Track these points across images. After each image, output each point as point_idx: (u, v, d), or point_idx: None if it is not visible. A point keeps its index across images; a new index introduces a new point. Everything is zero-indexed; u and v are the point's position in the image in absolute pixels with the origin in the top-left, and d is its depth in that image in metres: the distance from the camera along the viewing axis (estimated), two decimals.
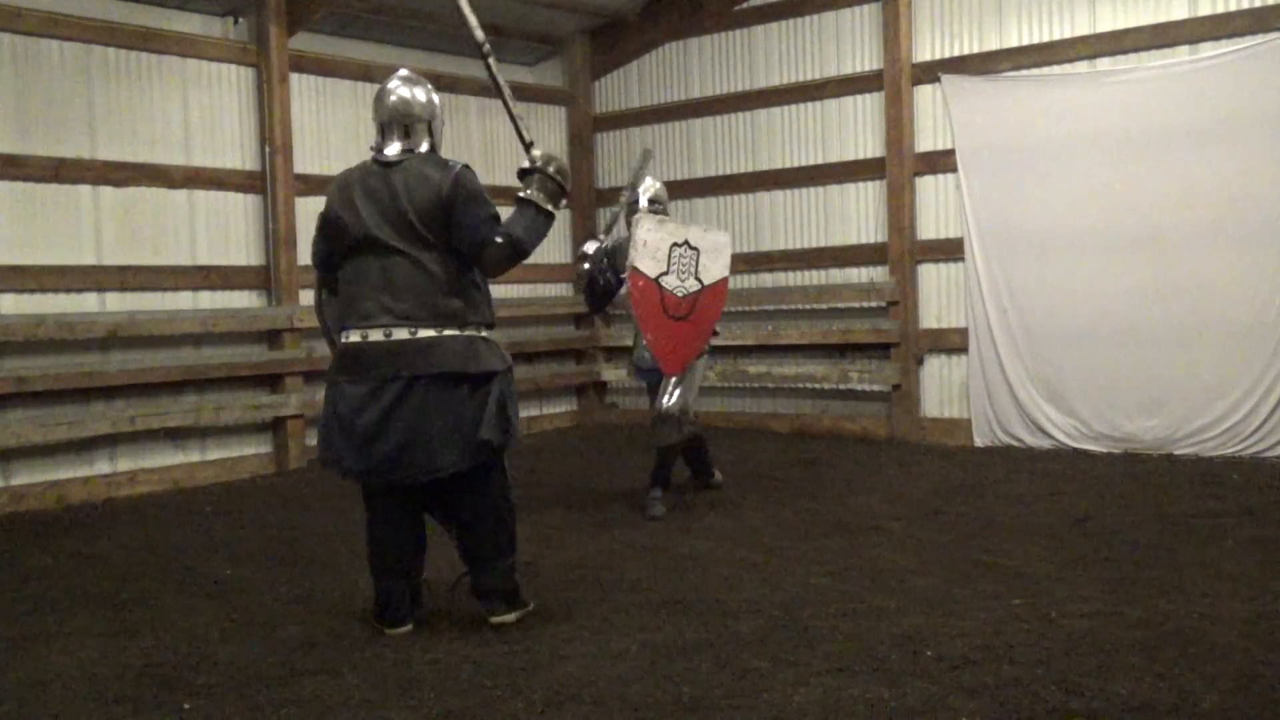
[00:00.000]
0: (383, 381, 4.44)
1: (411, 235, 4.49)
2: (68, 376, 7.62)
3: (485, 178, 10.41)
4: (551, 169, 4.78)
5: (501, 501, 4.68)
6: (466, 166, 4.68)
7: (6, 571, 5.87)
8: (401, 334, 4.46)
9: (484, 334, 4.63)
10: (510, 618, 4.61)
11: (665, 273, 6.56)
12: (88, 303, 7.95)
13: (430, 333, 4.47)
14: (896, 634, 4.34)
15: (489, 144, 10.59)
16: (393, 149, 4.64)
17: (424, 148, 4.68)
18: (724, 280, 6.83)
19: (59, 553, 6.26)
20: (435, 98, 4.80)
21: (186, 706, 3.84)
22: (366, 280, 4.52)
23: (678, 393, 6.74)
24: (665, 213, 7.08)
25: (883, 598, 4.85)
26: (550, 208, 4.72)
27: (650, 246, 6.53)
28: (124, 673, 4.19)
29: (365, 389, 4.47)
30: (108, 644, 4.55)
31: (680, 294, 6.63)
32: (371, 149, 4.71)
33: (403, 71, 4.88)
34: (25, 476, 7.59)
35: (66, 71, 7.92)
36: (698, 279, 6.68)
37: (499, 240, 4.54)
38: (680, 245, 6.64)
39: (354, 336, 4.53)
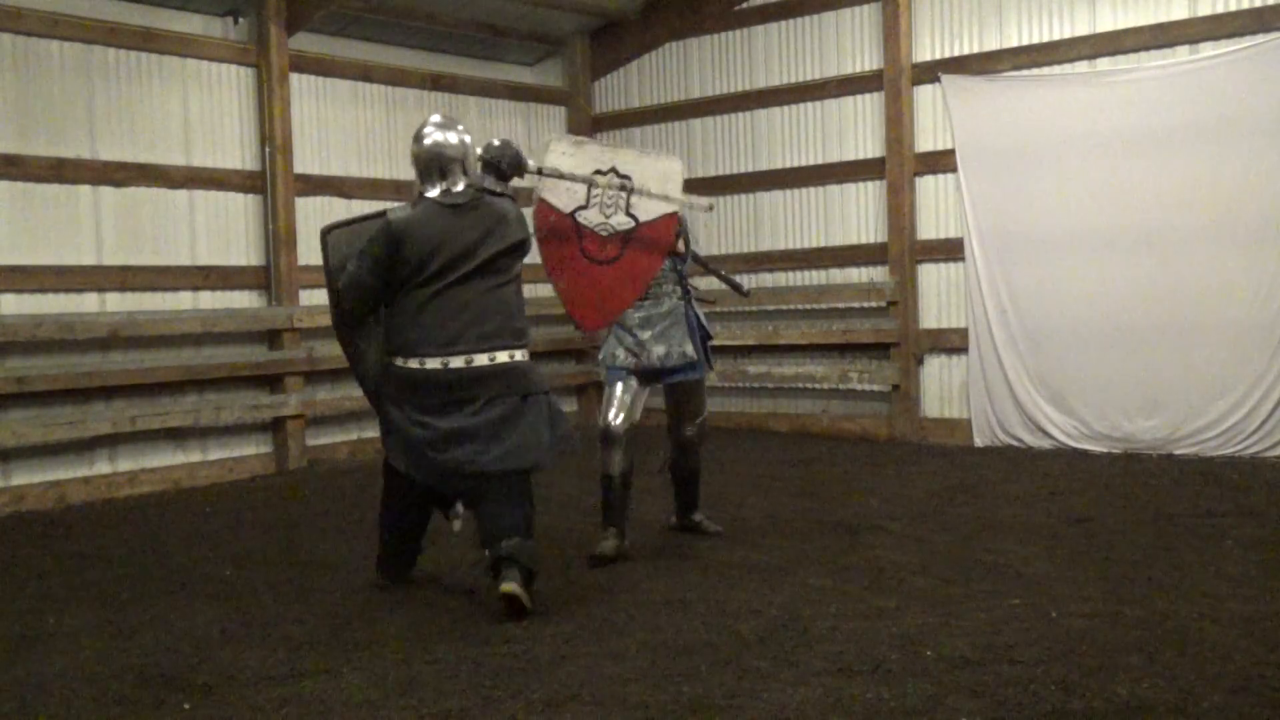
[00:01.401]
0: (471, 401, 4.83)
1: (495, 269, 4.90)
2: (68, 376, 7.62)
3: None
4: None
5: (527, 485, 4.97)
6: (516, 204, 5.11)
7: (6, 571, 5.87)
8: (501, 357, 4.87)
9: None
10: (517, 589, 4.67)
11: (584, 206, 5.41)
12: (88, 303, 7.95)
13: (518, 355, 4.93)
14: (896, 634, 4.34)
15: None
16: (454, 189, 4.94)
17: (460, 186, 4.96)
18: (669, 218, 5.42)
19: (59, 553, 6.26)
20: (467, 138, 5.06)
21: (186, 706, 3.84)
22: (447, 311, 4.84)
23: (700, 405, 5.92)
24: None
25: (883, 598, 4.85)
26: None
27: (567, 173, 5.41)
28: (124, 673, 4.19)
29: (446, 406, 4.84)
30: (108, 644, 4.55)
31: (605, 233, 5.39)
32: (420, 192, 4.98)
33: (436, 117, 5.14)
34: (25, 476, 7.59)
35: (66, 71, 7.92)
36: (629, 214, 5.39)
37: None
38: (605, 173, 5.39)
39: (433, 363, 4.82)
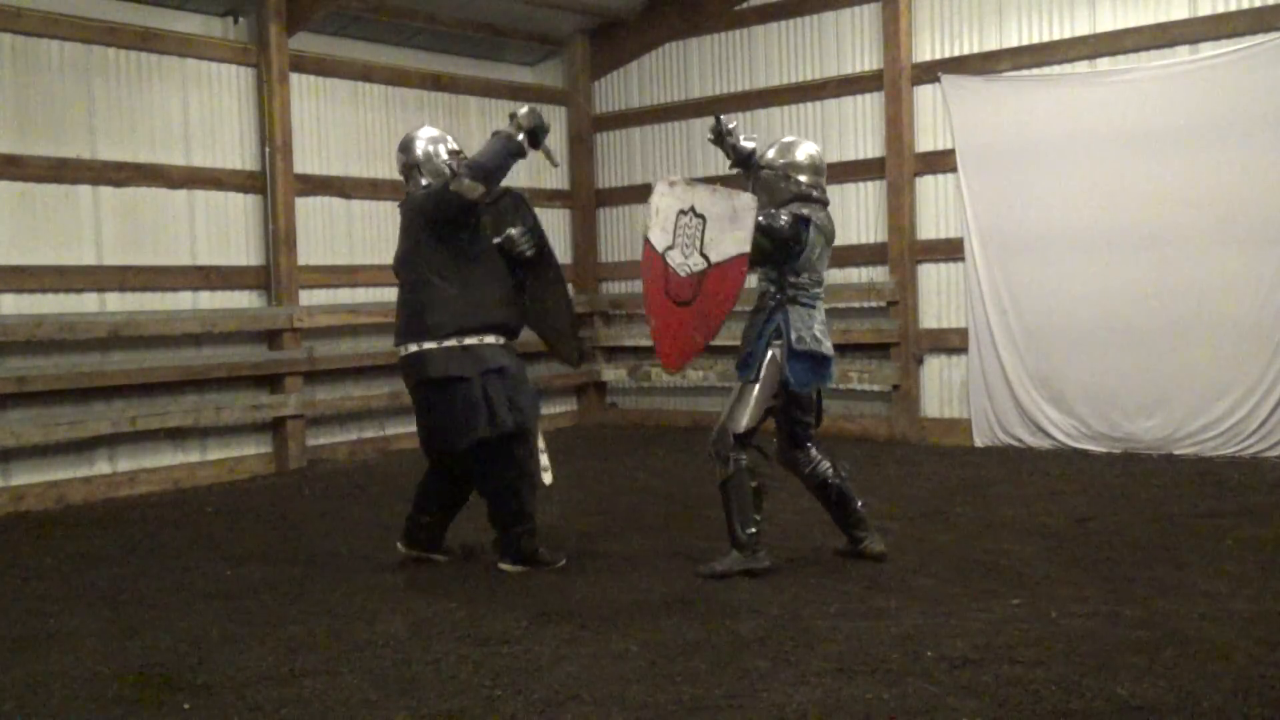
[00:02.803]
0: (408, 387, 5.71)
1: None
2: (68, 376, 7.62)
3: None
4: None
5: (504, 479, 5.44)
6: (419, 191, 5.60)
7: (6, 571, 5.86)
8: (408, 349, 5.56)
9: None
10: (508, 567, 5.46)
11: (671, 246, 5.36)
12: (88, 303, 7.95)
13: (412, 347, 5.50)
14: (897, 634, 4.34)
15: None
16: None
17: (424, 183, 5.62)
18: (739, 259, 5.16)
19: (59, 553, 6.26)
20: (418, 150, 5.65)
21: (186, 706, 3.84)
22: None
23: (725, 415, 5.49)
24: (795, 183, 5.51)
25: (883, 598, 4.85)
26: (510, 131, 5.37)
27: (661, 214, 5.40)
28: (124, 673, 4.19)
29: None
30: (108, 644, 4.55)
31: (684, 273, 5.31)
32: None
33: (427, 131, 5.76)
34: (25, 476, 7.59)
35: (66, 71, 7.92)
36: (703, 255, 5.27)
37: (457, 182, 5.34)
38: (686, 213, 5.32)
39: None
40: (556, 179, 11.21)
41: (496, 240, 5.59)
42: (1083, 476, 7.56)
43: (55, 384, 7.57)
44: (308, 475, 8.62)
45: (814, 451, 5.59)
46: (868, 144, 9.63)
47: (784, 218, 5.31)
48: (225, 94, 8.77)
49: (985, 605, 4.69)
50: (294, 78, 9.03)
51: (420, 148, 5.65)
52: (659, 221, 5.38)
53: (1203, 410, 8.07)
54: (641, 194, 10.89)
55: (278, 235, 8.83)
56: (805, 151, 5.62)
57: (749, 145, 5.69)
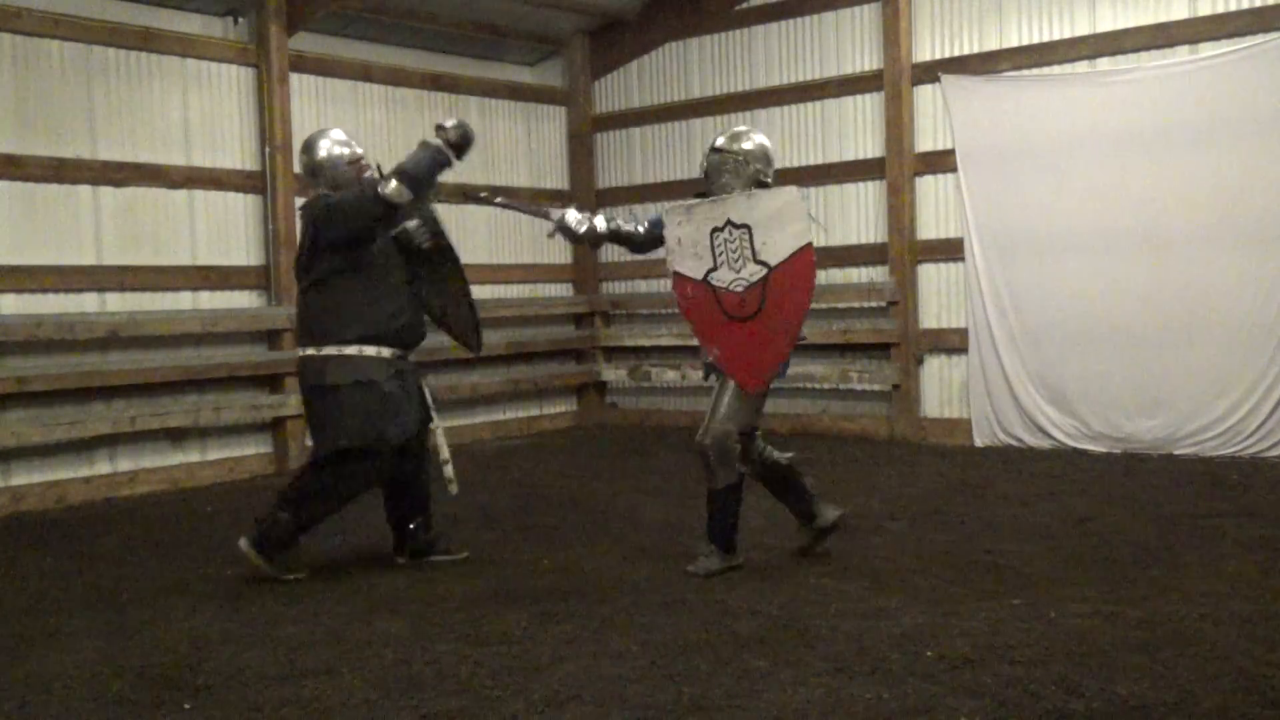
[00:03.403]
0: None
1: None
2: (68, 376, 7.62)
3: (483, 176, 10.49)
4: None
5: (321, 480, 5.49)
6: (318, 196, 5.57)
7: (6, 571, 5.87)
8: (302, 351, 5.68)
9: None
10: (245, 544, 5.42)
11: (714, 268, 5.27)
12: (88, 303, 7.95)
13: (309, 350, 5.57)
14: (896, 634, 4.34)
15: (488, 143, 10.58)
16: None
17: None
18: (802, 251, 5.16)
19: (59, 553, 6.26)
20: (321, 153, 5.63)
21: (187, 706, 3.84)
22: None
23: (713, 416, 5.34)
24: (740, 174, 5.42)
25: (883, 598, 4.85)
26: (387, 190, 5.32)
27: (686, 243, 5.31)
28: (124, 673, 4.19)
29: None
30: (108, 644, 4.55)
31: (739, 288, 5.22)
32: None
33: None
34: (25, 476, 7.59)
35: (66, 71, 7.92)
36: (759, 262, 5.19)
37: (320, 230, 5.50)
38: (722, 229, 5.25)
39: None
40: (557, 179, 11.23)
41: (393, 233, 5.58)
42: (1083, 476, 7.57)
43: (55, 384, 7.56)
44: None
45: (759, 440, 5.56)
46: (868, 144, 9.63)
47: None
48: (225, 94, 8.77)
49: (985, 605, 4.69)
50: (294, 78, 9.02)
51: (324, 150, 5.62)
52: (684, 250, 5.31)
53: (1203, 410, 8.07)
54: (643, 193, 10.98)
55: (278, 235, 8.83)
56: (756, 140, 5.54)
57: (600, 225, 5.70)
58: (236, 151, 8.81)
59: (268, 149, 8.85)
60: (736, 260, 5.22)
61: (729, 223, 5.23)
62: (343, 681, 4.03)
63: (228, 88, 8.78)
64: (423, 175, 5.34)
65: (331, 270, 5.41)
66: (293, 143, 8.93)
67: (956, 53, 9.16)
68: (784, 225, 5.17)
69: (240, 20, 8.89)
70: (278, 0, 8.80)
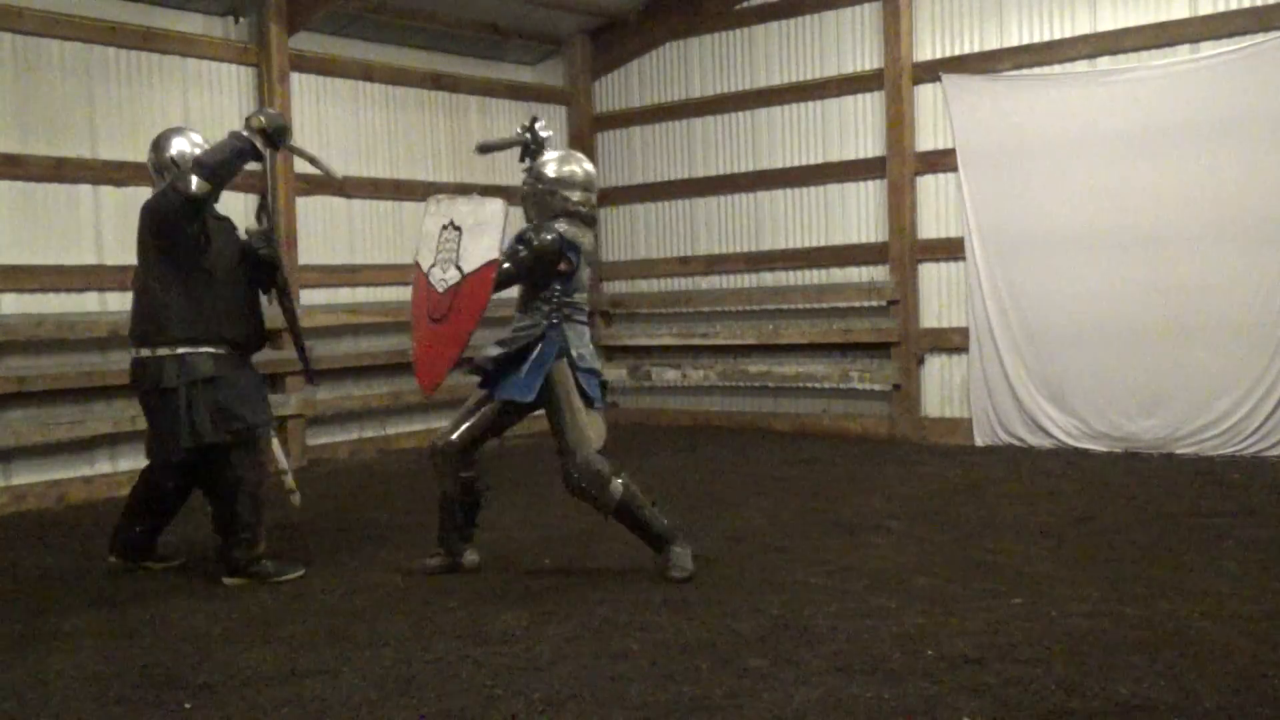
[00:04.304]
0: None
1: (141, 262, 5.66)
2: (68, 376, 7.62)
3: (485, 175, 10.48)
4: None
5: (221, 487, 5.49)
6: (159, 190, 5.46)
7: (7, 571, 5.87)
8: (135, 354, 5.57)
9: None
10: (228, 580, 5.45)
11: (434, 264, 5.24)
12: (88, 302, 7.95)
13: (144, 352, 5.48)
14: (897, 633, 4.34)
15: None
16: None
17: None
18: (487, 267, 5.07)
19: (60, 552, 6.26)
20: (171, 150, 5.60)
21: (187, 706, 3.84)
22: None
23: (564, 446, 5.25)
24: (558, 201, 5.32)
25: (883, 597, 4.85)
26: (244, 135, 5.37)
27: (427, 234, 5.31)
28: (124, 672, 4.19)
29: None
30: (108, 644, 4.55)
31: (441, 289, 5.18)
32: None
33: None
34: (26, 476, 7.59)
35: (67, 71, 7.91)
36: (458, 267, 5.16)
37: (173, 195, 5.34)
38: (447, 227, 5.23)
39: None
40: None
41: (243, 238, 5.62)
42: (1083, 476, 7.56)
43: (56, 383, 7.57)
44: (308, 475, 8.61)
45: (478, 450, 5.49)
46: (868, 143, 9.63)
47: (549, 236, 5.20)
48: (226, 94, 8.76)
49: (986, 604, 4.69)
50: (294, 77, 9.02)
51: (175, 146, 5.59)
52: (426, 242, 5.29)
53: (1203, 409, 8.07)
54: (643, 193, 10.98)
55: (278, 235, 8.80)
56: (582, 167, 5.47)
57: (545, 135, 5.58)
58: None
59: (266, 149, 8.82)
60: (446, 262, 5.19)
61: (451, 222, 5.21)
62: (343, 681, 4.03)
63: (228, 87, 8.77)
64: (219, 165, 5.30)
65: (166, 269, 5.35)
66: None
67: (957, 52, 9.15)
68: (482, 235, 5.12)
69: (241, 20, 8.89)
70: (278, 0, 8.80)
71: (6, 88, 7.65)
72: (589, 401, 5.29)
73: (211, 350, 5.38)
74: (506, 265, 5.16)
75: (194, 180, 5.22)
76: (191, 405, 5.32)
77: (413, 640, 4.47)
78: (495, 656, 4.23)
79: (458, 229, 5.17)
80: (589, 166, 5.53)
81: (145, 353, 5.41)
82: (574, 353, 5.26)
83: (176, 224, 5.30)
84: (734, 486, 7.49)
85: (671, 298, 10.79)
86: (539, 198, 5.39)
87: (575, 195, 5.37)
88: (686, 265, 10.70)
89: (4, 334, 7.42)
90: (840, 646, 4.22)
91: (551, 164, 5.45)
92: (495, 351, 5.29)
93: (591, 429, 5.29)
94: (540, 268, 5.22)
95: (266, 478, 5.62)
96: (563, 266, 5.24)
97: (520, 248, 5.22)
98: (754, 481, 7.75)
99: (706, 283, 10.64)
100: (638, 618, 4.66)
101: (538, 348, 5.21)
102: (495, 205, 5.17)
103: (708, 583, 5.18)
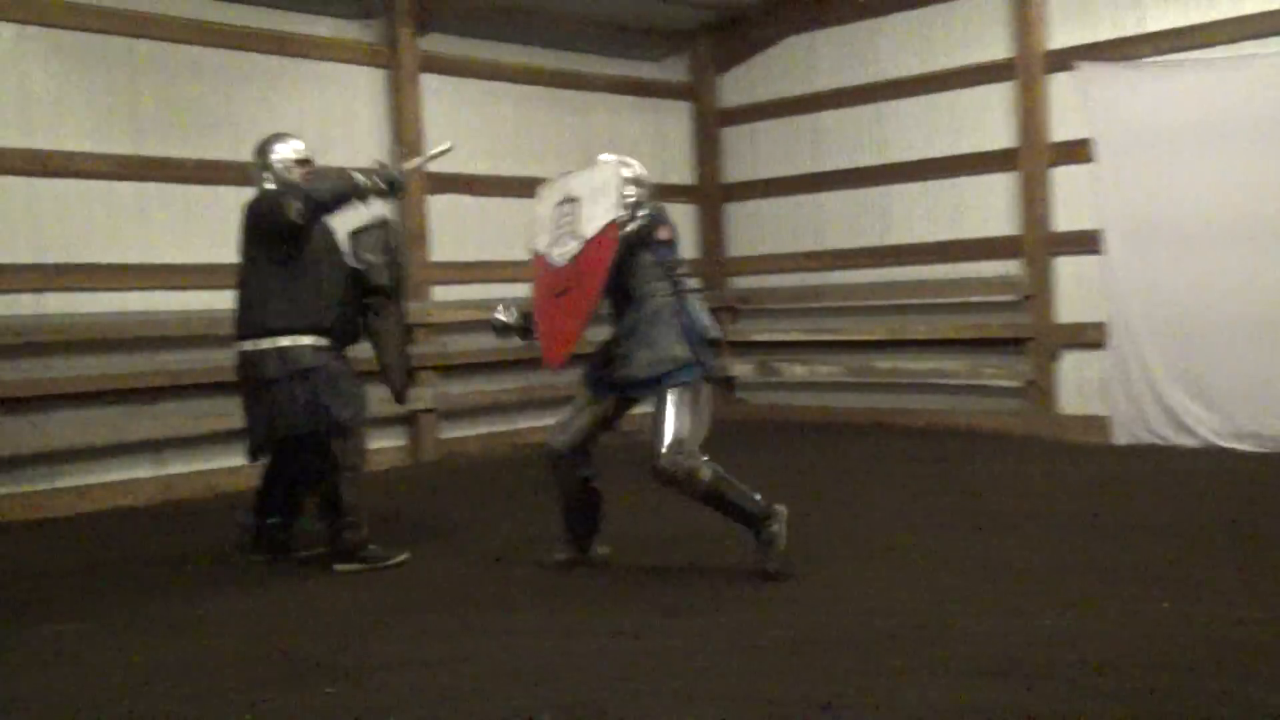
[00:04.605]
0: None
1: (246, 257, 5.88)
2: (216, 370, 7.85)
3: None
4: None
5: (319, 473, 5.65)
6: (262, 193, 5.76)
7: (160, 558, 6.12)
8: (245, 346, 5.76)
9: None
10: (340, 567, 5.57)
11: (552, 243, 5.19)
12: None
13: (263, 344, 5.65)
14: (1034, 635, 4.24)
15: (614, 139, 10.64)
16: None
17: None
18: (608, 228, 4.96)
19: (210, 539, 6.51)
20: (271, 155, 5.85)
21: (329, 690, 3.94)
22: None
23: (663, 436, 5.10)
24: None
25: (1020, 598, 4.75)
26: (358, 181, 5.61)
27: (541, 219, 5.30)
28: (269, 656, 4.33)
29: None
30: (254, 628, 4.71)
31: (561, 263, 5.12)
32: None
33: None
34: (178, 466, 7.93)
35: (210, 76, 8.21)
36: (577, 237, 5.06)
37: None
38: (562, 203, 5.19)
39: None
40: (683, 174, 11.23)
41: (358, 267, 5.83)
42: (1232, 477, 7.28)
43: (205, 377, 7.85)
44: (440, 468, 8.80)
45: (593, 447, 5.44)
46: (999, 134, 9.41)
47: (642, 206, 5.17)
48: (358, 95, 8.99)
49: (1128, 608, 4.55)
50: (424, 78, 9.21)
51: (276, 153, 5.82)
52: (540, 227, 5.30)
53: None
54: (768, 188, 10.93)
55: (410, 233, 9.02)
56: (634, 171, 5.30)
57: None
58: (369, 152, 8.99)
59: (399, 149, 9.03)
60: (565, 236, 5.12)
61: (567, 197, 5.18)
62: (478, 669, 4.10)
63: (360, 89, 8.99)
64: (324, 201, 5.52)
65: (265, 266, 5.58)
66: (423, 143, 9.13)
67: (1093, 39, 8.88)
68: (600, 199, 5.02)
69: (372, 23, 9.10)
70: (408, 2, 9.00)
71: (155, 93, 7.97)
72: (707, 375, 5.19)
73: (311, 342, 5.56)
74: (630, 227, 5.06)
75: (295, 203, 5.45)
76: (291, 397, 5.51)
77: (544, 631, 4.53)
78: (627, 649, 4.26)
79: (573, 200, 5.14)
80: (640, 169, 5.36)
81: (248, 346, 5.61)
82: (699, 326, 5.18)
83: (276, 233, 5.57)
84: (864, 484, 7.41)
85: (798, 293, 10.71)
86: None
87: (644, 190, 5.31)
88: (813, 260, 10.61)
89: (157, 330, 7.75)
90: (976, 647, 4.14)
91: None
92: (613, 339, 5.29)
93: (697, 424, 5.19)
94: (642, 237, 5.14)
95: (365, 465, 5.78)
96: (664, 235, 5.19)
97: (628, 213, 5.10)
98: (884, 479, 7.65)
99: (834, 278, 10.54)
100: (770, 613, 4.65)
101: (661, 325, 5.13)
102: (609, 168, 5.13)
103: (840, 580, 5.13)
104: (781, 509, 5.23)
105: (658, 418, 5.11)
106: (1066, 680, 3.78)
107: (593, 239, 5.00)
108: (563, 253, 5.10)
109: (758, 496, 5.22)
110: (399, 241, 6.01)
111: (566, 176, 5.34)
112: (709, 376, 5.22)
